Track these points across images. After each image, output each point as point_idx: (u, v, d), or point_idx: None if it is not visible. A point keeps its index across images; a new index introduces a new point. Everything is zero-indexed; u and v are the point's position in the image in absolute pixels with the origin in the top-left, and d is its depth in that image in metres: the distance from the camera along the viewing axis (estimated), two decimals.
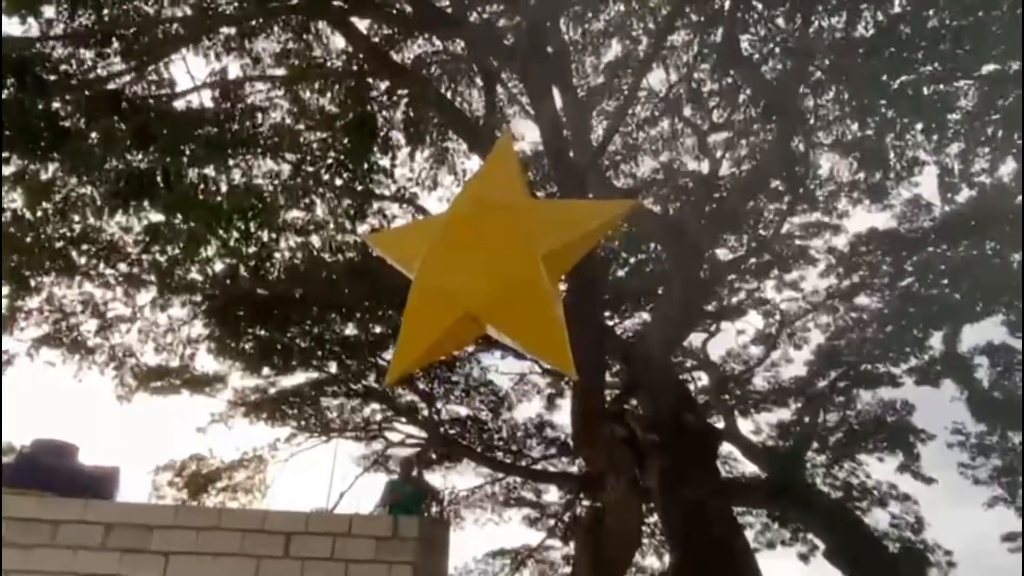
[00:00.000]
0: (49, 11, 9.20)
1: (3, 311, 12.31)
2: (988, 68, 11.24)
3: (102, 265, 12.56)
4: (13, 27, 8.93)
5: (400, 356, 2.51)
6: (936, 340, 15.73)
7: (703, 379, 17.85)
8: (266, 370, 14.77)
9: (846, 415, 17.15)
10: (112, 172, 7.50)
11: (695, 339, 17.09)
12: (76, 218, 10.94)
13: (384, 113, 12.14)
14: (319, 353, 14.82)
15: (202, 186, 10.12)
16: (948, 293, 14.31)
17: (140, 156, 7.65)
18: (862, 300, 16.51)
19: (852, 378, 16.32)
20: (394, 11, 9.83)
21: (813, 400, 16.37)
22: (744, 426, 17.33)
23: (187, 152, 8.09)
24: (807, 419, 16.25)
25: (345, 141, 10.34)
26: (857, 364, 16.13)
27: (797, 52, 10.46)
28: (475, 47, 7.99)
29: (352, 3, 8.95)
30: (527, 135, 17.35)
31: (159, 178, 7.10)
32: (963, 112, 11.30)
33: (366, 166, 10.54)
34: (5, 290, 11.91)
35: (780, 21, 10.95)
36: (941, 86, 11.36)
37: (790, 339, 17.49)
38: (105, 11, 9.36)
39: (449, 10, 9.64)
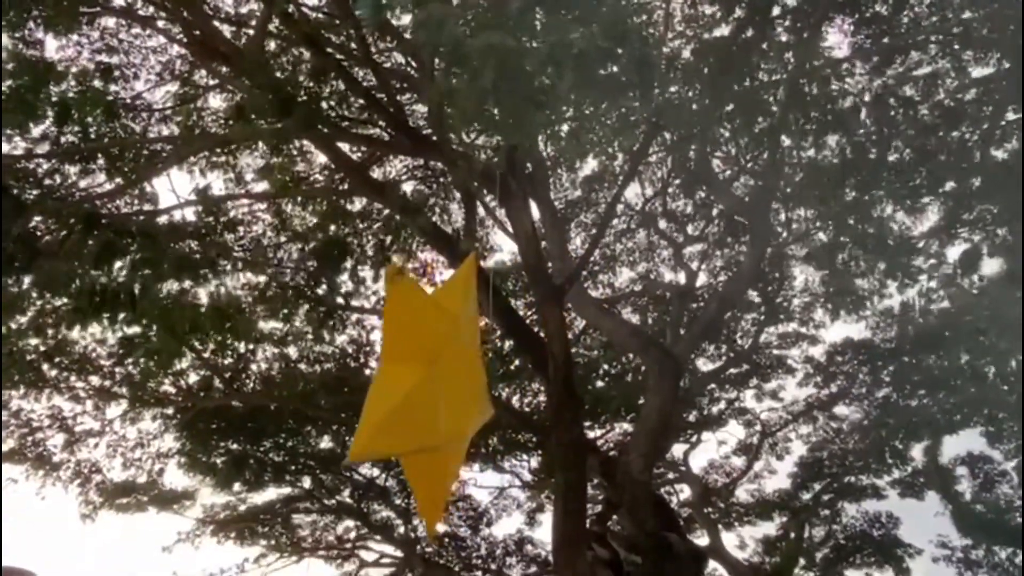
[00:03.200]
0: (36, 129, 9.38)
1: None
2: (950, 185, 11.68)
3: (73, 378, 12.33)
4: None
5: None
6: (917, 451, 15.69)
7: (685, 491, 17.57)
8: (237, 486, 14.33)
9: (832, 529, 16.86)
10: (78, 288, 7.44)
11: (676, 450, 16.94)
12: (50, 332, 10.79)
13: (362, 226, 12.33)
14: (292, 467, 14.45)
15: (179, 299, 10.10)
16: (926, 404, 14.34)
17: (108, 273, 7.62)
18: (841, 410, 16.53)
19: (836, 490, 16.13)
20: (374, 135, 10.10)
21: (798, 513, 16.09)
22: (728, 540, 16.96)
23: (158, 268, 8.08)
24: (792, 534, 15.92)
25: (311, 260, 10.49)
26: (840, 476, 15.97)
27: (765, 173, 10.82)
28: (454, 168, 8.20)
29: (335, 127, 9.19)
30: (505, 247, 17.62)
31: (123, 296, 7.05)
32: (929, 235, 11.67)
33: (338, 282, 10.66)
34: None
35: (749, 141, 11.35)
36: (908, 202, 11.76)
37: (772, 450, 17.37)
38: (92, 129, 9.53)
39: (427, 131, 9.92)
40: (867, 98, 10.44)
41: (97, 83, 9.68)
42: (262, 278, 11.77)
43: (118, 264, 7.94)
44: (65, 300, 9.50)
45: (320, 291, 11.79)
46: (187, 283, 9.64)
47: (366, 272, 12.76)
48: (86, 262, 7.74)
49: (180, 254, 8.40)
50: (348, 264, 11.46)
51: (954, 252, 12.97)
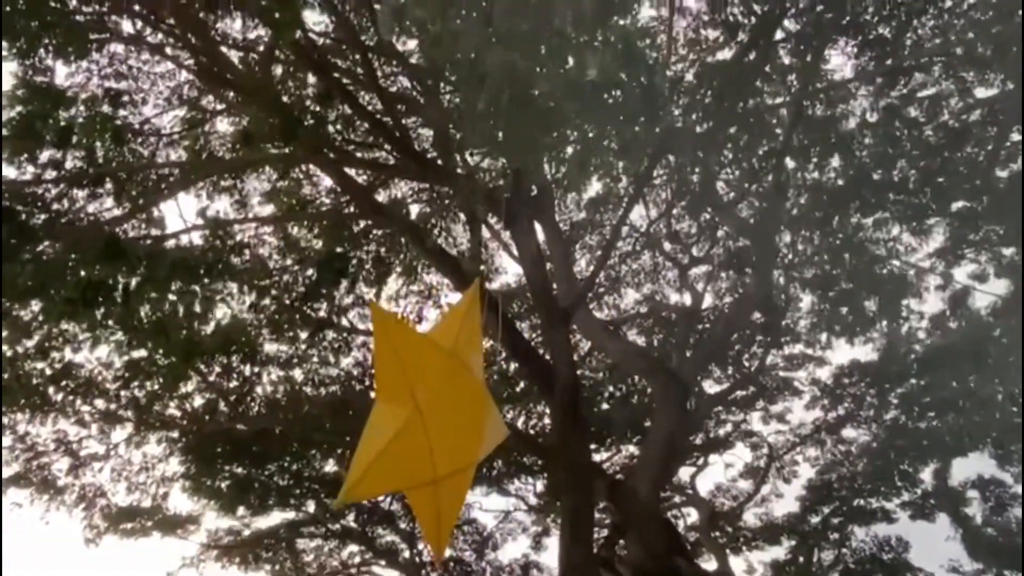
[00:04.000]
0: (44, 154, 9.44)
1: None
2: (957, 205, 11.67)
3: (79, 402, 12.31)
4: (9, 169, 9.14)
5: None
6: (927, 474, 15.54)
7: (692, 515, 17.41)
8: (241, 510, 14.26)
9: (841, 553, 16.67)
10: (71, 281, 7.46)
11: (683, 473, 16.82)
12: (56, 356, 10.80)
13: (367, 249, 12.37)
14: (297, 491, 14.37)
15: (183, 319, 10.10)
16: (935, 426, 14.23)
17: (107, 269, 7.61)
18: (849, 433, 16.41)
19: (845, 514, 15.96)
20: (379, 157, 10.17)
21: (806, 537, 15.92)
22: (736, 565, 16.80)
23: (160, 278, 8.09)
24: (801, 558, 15.75)
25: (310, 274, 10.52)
26: (849, 499, 15.82)
27: (770, 195, 10.83)
28: (460, 192, 8.25)
29: (341, 152, 9.25)
30: (510, 268, 17.62)
31: (117, 292, 7.08)
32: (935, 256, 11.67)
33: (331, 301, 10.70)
34: None
35: (753, 164, 11.37)
36: (914, 223, 11.76)
37: (779, 473, 17.23)
38: (99, 153, 9.59)
39: (432, 154, 9.98)
40: (871, 119, 10.48)
41: (106, 108, 9.76)
42: (267, 300, 11.79)
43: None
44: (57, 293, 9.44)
45: (323, 313, 11.78)
46: (188, 298, 9.65)
47: (370, 294, 12.81)
48: (85, 257, 7.74)
49: (175, 259, 8.36)
50: (349, 282, 11.48)
51: (961, 273, 12.97)
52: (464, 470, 2.82)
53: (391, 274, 12.73)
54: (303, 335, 12.48)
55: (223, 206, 11.28)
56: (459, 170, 8.49)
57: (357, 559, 16.74)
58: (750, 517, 17.78)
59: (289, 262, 11.99)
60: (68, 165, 9.36)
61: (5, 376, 10.80)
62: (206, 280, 9.48)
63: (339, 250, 11.58)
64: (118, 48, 10.05)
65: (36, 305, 9.46)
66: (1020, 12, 8.30)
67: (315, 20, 9.62)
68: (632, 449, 15.69)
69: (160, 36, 9.23)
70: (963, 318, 12.66)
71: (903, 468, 15.22)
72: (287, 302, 11.66)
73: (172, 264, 8.41)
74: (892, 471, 15.30)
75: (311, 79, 10.05)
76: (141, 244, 9.30)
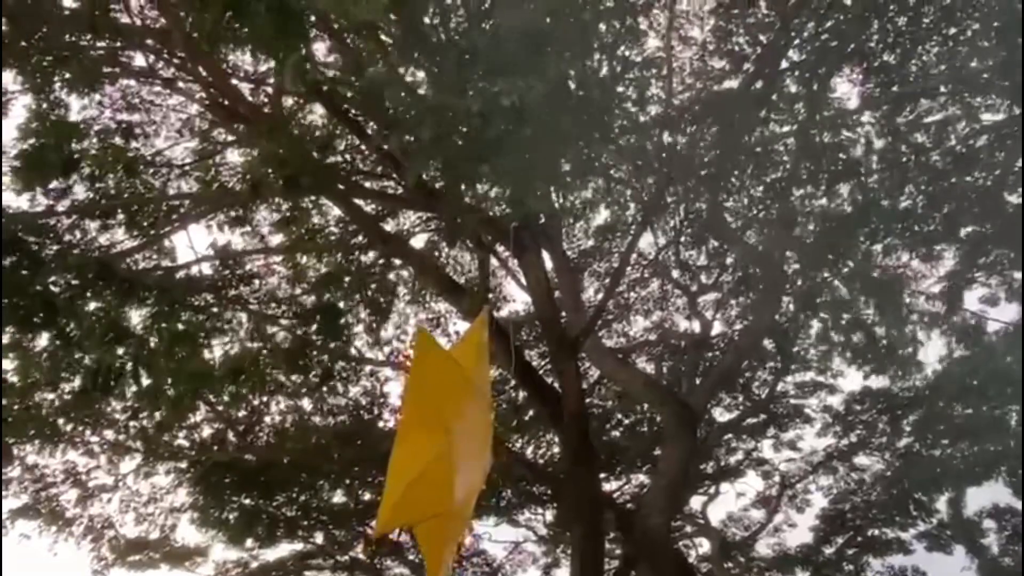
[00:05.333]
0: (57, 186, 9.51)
1: None
2: (966, 230, 11.63)
3: (88, 432, 12.30)
4: (22, 201, 9.23)
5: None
6: (942, 503, 15.33)
7: (704, 546, 17.22)
8: (249, 542, 14.17)
9: None
10: (82, 368, 7.53)
11: (695, 502, 16.66)
12: (67, 387, 10.82)
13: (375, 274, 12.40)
14: (305, 522, 14.28)
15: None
16: (949, 454, 14.06)
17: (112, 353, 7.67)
18: (862, 461, 16.22)
19: (860, 544, 15.74)
20: (388, 186, 10.21)
21: (821, 568, 15.70)
22: None
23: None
24: None
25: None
26: (864, 529, 15.61)
27: (778, 222, 10.83)
28: (460, 224, 8.27)
29: (349, 183, 9.30)
30: (518, 296, 17.59)
31: (130, 371, 7.13)
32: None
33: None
34: None
35: (760, 191, 11.39)
36: (922, 250, 11.72)
37: (792, 502, 17.04)
38: (110, 183, 9.67)
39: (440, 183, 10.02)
40: (878, 145, 10.49)
41: (118, 140, 9.87)
42: (275, 329, 11.80)
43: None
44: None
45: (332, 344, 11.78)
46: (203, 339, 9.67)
47: (378, 322, 12.83)
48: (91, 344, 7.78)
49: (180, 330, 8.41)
50: (354, 319, 11.52)
51: (971, 297, 12.90)
52: (472, 496, 2.82)
53: (399, 302, 12.77)
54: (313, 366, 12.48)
55: (233, 236, 11.37)
56: (467, 199, 8.50)
57: None
58: (763, 547, 17.59)
59: (298, 291, 12.04)
60: (80, 196, 9.46)
61: (15, 408, 10.82)
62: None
63: (332, 299, 11.62)
64: (130, 81, 10.19)
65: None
66: (1020, 38, 8.32)
67: (324, 51, 9.73)
68: (642, 478, 15.56)
69: (172, 70, 9.35)
70: (975, 344, 12.56)
71: (917, 497, 15.03)
72: (297, 333, 11.68)
73: (173, 337, 8.43)
74: (907, 500, 15.11)
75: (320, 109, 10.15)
76: (153, 276, 9.37)
